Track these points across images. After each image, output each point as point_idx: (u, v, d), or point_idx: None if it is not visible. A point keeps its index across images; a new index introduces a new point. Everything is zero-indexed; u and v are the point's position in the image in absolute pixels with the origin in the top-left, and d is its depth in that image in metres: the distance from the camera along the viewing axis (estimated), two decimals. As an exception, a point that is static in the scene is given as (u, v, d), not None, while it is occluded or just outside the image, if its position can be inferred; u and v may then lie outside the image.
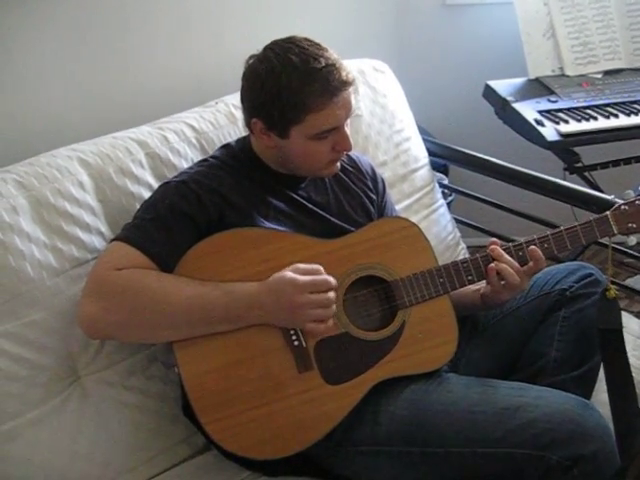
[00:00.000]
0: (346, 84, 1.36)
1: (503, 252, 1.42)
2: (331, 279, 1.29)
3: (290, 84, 1.33)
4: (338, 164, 1.48)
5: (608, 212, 1.48)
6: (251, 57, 1.41)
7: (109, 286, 1.27)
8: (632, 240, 1.49)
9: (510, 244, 1.45)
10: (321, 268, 1.29)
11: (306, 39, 1.38)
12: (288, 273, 1.27)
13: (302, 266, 1.29)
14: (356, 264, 1.41)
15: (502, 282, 1.41)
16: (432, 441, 1.28)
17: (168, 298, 1.26)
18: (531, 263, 1.42)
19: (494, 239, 1.47)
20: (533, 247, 1.42)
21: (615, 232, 1.47)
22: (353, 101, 1.40)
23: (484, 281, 1.45)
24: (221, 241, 1.35)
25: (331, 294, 1.28)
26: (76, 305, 1.34)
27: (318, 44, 1.38)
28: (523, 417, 1.24)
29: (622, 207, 1.48)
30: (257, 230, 1.38)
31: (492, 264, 1.41)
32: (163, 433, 1.47)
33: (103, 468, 1.39)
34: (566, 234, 1.45)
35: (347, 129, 1.42)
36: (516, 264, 1.41)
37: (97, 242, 1.46)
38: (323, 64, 1.34)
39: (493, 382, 1.36)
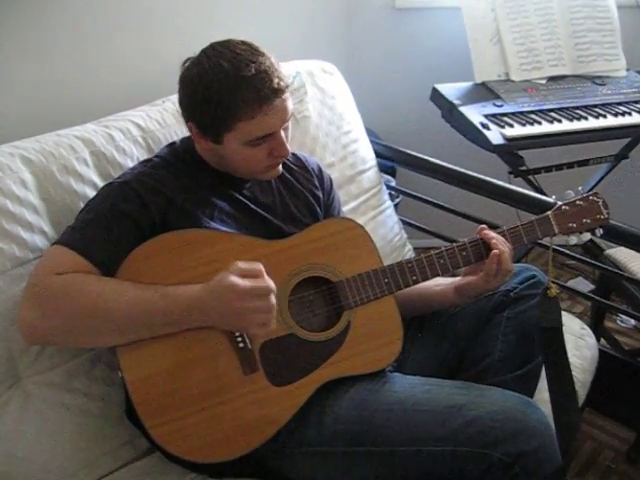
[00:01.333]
0: (277, 92, 1.33)
1: (499, 236, 1.44)
2: (271, 283, 1.25)
3: (219, 92, 1.31)
4: (279, 168, 1.46)
5: (549, 212, 1.51)
6: (187, 60, 1.39)
7: (47, 291, 1.23)
8: (572, 240, 1.52)
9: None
10: (262, 267, 1.25)
11: (243, 42, 1.36)
12: (229, 277, 1.22)
13: (242, 265, 1.24)
14: (301, 265, 1.40)
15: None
16: (377, 441, 1.29)
17: (108, 303, 1.23)
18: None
19: (484, 225, 1.49)
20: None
21: (556, 232, 1.51)
22: (290, 106, 1.37)
23: (454, 278, 1.48)
24: (164, 243, 1.33)
25: (272, 298, 1.25)
26: (17, 306, 1.30)
27: (255, 48, 1.35)
28: (467, 415, 1.25)
29: (563, 207, 1.52)
30: (201, 231, 1.37)
31: (495, 250, 1.42)
32: (106, 436, 1.44)
33: (44, 472, 1.36)
34: (508, 234, 1.49)
35: (286, 133, 1.39)
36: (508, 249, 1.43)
37: (39, 241, 1.43)
38: (254, 71, 1.30)
39: (438, 381, 1.38)
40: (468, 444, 1.23)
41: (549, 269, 1.51)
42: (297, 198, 1.57)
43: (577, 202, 1.52)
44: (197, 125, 1.37)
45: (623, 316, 2.81)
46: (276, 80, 1.33)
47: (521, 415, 1.25)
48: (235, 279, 1.21)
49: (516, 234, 1.48)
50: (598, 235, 1.54)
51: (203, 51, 1.37)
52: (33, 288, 1.25)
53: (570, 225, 1.51)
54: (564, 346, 1.47)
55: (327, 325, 1.41)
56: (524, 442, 1.22)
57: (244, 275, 1.23)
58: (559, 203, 1.53)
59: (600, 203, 1.53)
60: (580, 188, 1.56)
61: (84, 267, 1.26)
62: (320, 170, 1.66)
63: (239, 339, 1.31)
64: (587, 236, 1.53)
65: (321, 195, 1.62)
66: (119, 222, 1.31)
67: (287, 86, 1.36)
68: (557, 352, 1.46)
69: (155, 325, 1.26)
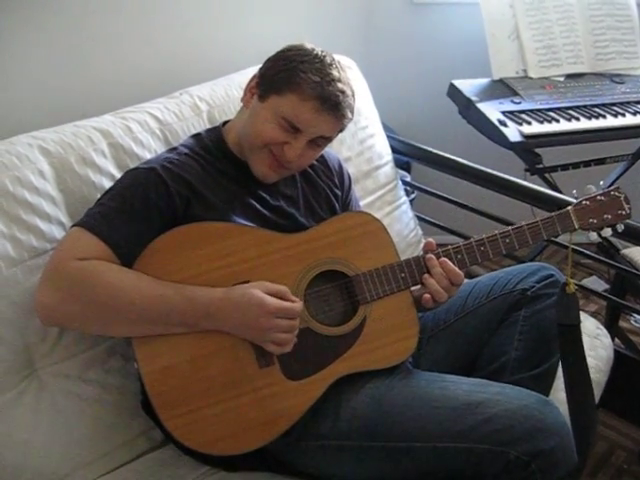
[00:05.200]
0: (334, 108, 1.37)
1: (437, 264, 1.42)
2: (297, 306, 1.28)
3: (301, 63, 1.37)
4: (274, 176, 1.45)
5: (570, 207, 1.49)
6: None
7: (68, 276, 1.24)
8: (593, 235, 1.50)
9: (450, 247, 1.45)
10: (288, 290, 1.29)
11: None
12: (256, 292, 1.25)
13: (269, 285, 1.27)
14: (318, 258, 1.40)
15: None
16: (394, 436, 1.29)
17: (127, 298, 1.24)
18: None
19: (430, 240, 1.46)
20: (444, 259, 1.42)
21: (576, 227, 1.49)
22: (327, 134, 1.41)
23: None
24: (182, 235, 1.33)
25: (296, 321, 1.28)
26: (34, 297, 1.30)
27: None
28: (484, 413, 1.25)
29: (584, 202, 1.49)
30: (218, 224, 1.36)
31: (426, 295, 1.42)
32: (121, 427, 1.45)
33: (59, 462, 1.36)
34: (527, 229, 1.47)
35: (307, 148, 1.41)
36: (445, 281, 1.41)
37: (57, 232, 1.43)
38: (339, 87, 1.37)
39: (455, 378, 1.37)
40: (485, 442, 1.23)
41: (568, 265, 1.49)
42: (318, 194, 1.57)
43: (598, 197, 1.49)
44: (260, 76, 1.42)
45: (637, 316, 2.79)
46: (343, 103, 1.38)
47: (539, 414, 1.24)
48: (264, 296, 1.25)
49: (535, 229, 1.47)
50: (620, 230, 1.51)
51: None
52: (54, 271, 1.26)
53: (591, 221, 1.49)
54: (582, 343, 1.45)
55: (343, 319, 1.41)
56: (541, 441, 1.21)
57: (269, 293, 1.26)
58: (579, 198, 1.51)
59: (622, 198, 1.50)
60: (601, 183, 1.53)
61: (106, 254, 1.27)
62: (340, 167, 1.66)
63: None
64: (608, 232, 1.50)
65: (340, 193, 1.63)
66: (143, 209, 1.31)
67: (344, 116, 1.40)
68: (575, 349, 1.45)
69: (171, 324, 1.27)
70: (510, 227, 1.47)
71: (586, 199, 1.50)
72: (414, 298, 1.45)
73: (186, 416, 1.27)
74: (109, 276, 1.25)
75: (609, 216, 1.49)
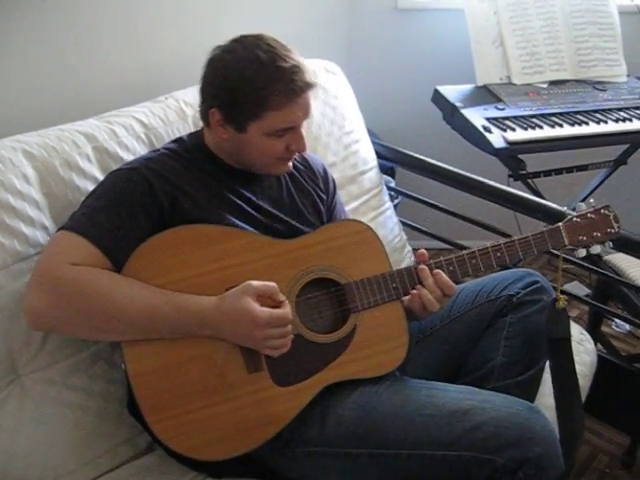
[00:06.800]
0: (309, 86, 1.37)
1: (429, 275, 1.42)
2: (288, 312, 1.28)
3: (255, 79, 1.33)
4: (290, 164, 1.47)
5: (560, 224, 1.50)
6: (217, 47, 1.40)
7: (60, 281, 1.23)
8: (581, 252, 1.51)
9: (442, 259, 1.45)
10: (276, 286, 1.28)
11: (273, 39, 1.38)
12: (247, 303, 1.23)
13: (257, 285, 1.26)
14: (310, 266, 1.40)
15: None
16: (381, 443, 1.28)
17: (117, 305, 1.23)
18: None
19: (422, 251, 1.46)
20: (438, 271, 1.42)
21: (566, 244, 1.49)
22: (312, 104, 1.41)
23: None
24: (173, 237, 1.32)
25: (289, 327, 1.28)
26: (19, 300, 1.30)
27: (284, 45, 1.38)
28: (471, 420, 1.25)
29: (574, 219, 1.50)
30: (210, 227, 1.36)
31: (418, 287, 1.42)
32: (105, 434, 1.43)
33: (42, 470, 1.35)
34: (519, 244, 1.47)
35: (303, 130, 1.42)
36: (438, 292, 1.41)
37: (41, 237, 1.41)
38: (290, 64, 1.34)
39: (442, 385, 1.37)
40: (472, 449, 1.23)
41: (558, 280, 1.50)
42: (304, 196, 1.57)
43: (589, 215, 1.51)
44: (222, 112, 1.38)
45: (618, 321, 2.82)
46: (308, 75, 1.37)
47: (526, 421, 1.25)
48: (254, 307, 1.24)
49: (526, 244, 1.47)
50: (608, 248, 1.53)
51: (235, 40, 1.39)
52: (44, 275, 1.25)
53: (581, 238, 1.49)
54: (572, 357, 1.47)
55: (333, 327, 1.41)
56: (528, 448, 1.22)
57: (259, 295, 1.25)
58: (570, 213, 1.52)
59: (612, 217, 1.51)
60: (592, 200, 1.54)
61: (95, 256, 1.26)
62: (325, 171, 1.66)
63: None
64: (597, 249, 1.51)
65: (325, 197, 1.62)
66: (128, 209, 1.31)
67: (316, 83, 1.40)
68: (565, 363, 1.46)
69: (162, 332, 1.27)
70: (502, 241, 1.47)
71: (577, 216, 1.51)
72: (404, 308, 1.45)
73: (173, 419, 1.26)
74: (100, 284, 1.24)
75: (598, 234, 1.50)
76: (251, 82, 1.33)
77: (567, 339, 1.46)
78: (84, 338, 1.40)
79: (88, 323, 1.25)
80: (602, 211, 1.52)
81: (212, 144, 1.47)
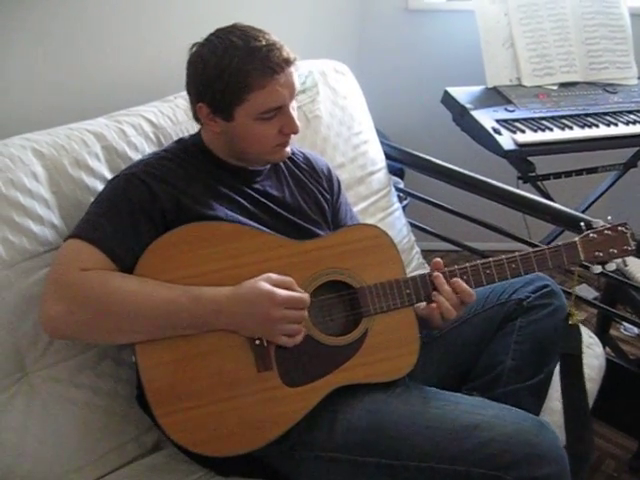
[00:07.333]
0: (287, 62, 1.37)
1: (444, 282, 1.41)
2: (306, 297, 1.29)
3: (231, 63, 1.33)
4: (288, 149, 1.47)
5: (577, 239, 1.48)
6: (194, 44, 1.42)
7: (73, 287, 1.23)
8: (597, 269, 1.49)
9: (456, 268, 1.43)
10: (293, 281, 1.29)
11: (249, 25, 1.40)
12: (264, 285, 1.26)
13: (275, 277, 1.28)
14: (324, 268, 1.39)
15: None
16: (389, 453, 1.27)
17: (134, 304, 1.23)
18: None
19: (438, 259, 1.45)
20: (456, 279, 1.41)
21: (582, 259, 1.47)
22: (296, 82, 1.40)
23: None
24: (188, 233, 1.33)
25: (305, 311, 1.29)
26: (27, 297, 1.32)
27: (260, 29, 1.39)
28: (480, 437, 1.23)
29: (591, 235, 1.48)
30: (224, 224, 1.36)
31: (434, 294, 1.41)
32: (112, 432, 1.44)
33: (49, 467, 1.35)
34: (534, 257, 1.45)
35: (293, 112, 1.41)
36: (455, 299, 1.40)
37: (50, 235, 1.42)
38: (264, 43, 1.35)
39: (453, 397, 1.35)
40: (481, 465, 1.21)
41: (572, 294, 1.49)
42: (307, 195, 1.57)
43: (605, 231, 1.49)
44: (208, 103, 1.38)
45: (627, 324, 2.80)
46: (285, 51, 1.37)
47: (535, 439, 1.22)
48: (273, 288, 1.25)
49: (542, 257, 1.45)
50: (624, 266, 1.51)
51: (210, 34, 1.41)
52: (57, 284, 1.25)
53: (597, 254, 1.47)
54: (582, 373, 1.46)
55: (343, 330, 1.40)
56: (537, 467, 1.20)
57: (277, 285, 1.26)
58: (581, 217, 1.50)
59: (629, 234, 1.49)
60: (609, 217, 1.53)
61: (102, 260, 1.27)
62: (329, 172, 1.66)
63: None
64: (612, 266, 1.49)
65: (329, 197, 1.62)
66: (130, 213, 1.31)
67: (295, 59, 1.39)
68: (575, 379, 1.45)
69: (180, 327, 1.26)
70: (517, 254, 1.45)
71: (593, 232, 1.49)
72: (418, 317, 1.44)
73: (180, 413, 1.26)
74: (115, 284, 1.24)
75: (615, 250, 1.48)
76: (229, 66, 1.33)
77: (578, 356, 1.44)
78: (103, 342, 1.41)
79: (106, 326, 1.26)
80: (619, 228, 1.49)
81: (209, 142, 1.47)
